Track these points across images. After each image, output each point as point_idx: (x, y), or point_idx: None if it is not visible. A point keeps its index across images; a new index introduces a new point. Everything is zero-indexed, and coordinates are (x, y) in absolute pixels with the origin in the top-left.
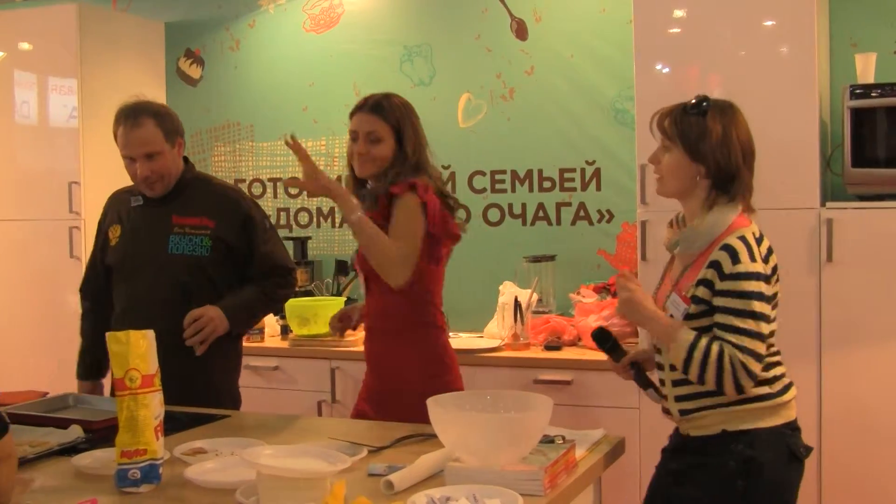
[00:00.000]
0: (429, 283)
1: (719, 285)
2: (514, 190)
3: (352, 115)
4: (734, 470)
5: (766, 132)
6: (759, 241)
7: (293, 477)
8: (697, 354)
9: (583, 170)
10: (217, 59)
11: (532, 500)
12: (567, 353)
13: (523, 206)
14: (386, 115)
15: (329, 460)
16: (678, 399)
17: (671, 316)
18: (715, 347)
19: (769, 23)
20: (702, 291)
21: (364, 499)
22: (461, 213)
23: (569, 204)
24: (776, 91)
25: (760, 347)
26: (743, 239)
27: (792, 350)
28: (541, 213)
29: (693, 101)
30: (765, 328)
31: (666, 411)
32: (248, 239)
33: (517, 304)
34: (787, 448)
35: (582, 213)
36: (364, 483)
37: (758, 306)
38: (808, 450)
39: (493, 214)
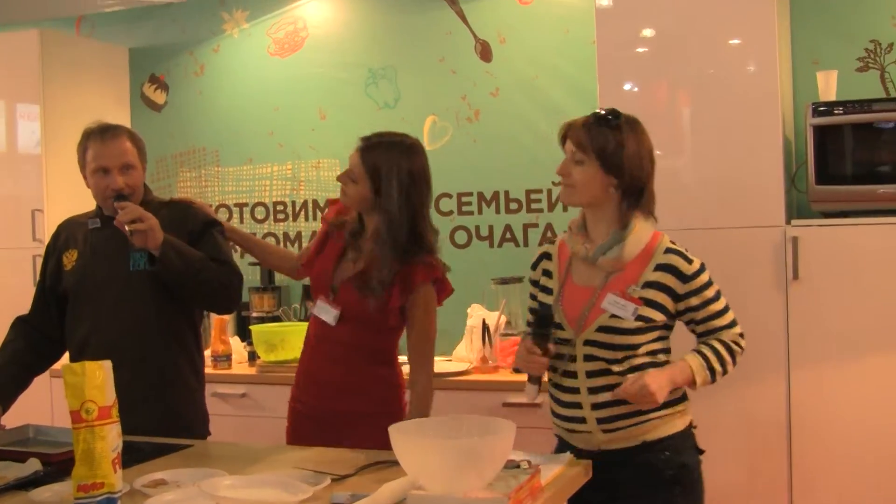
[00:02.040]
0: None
1: (684, 288)
2: (480, 212)
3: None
4: (671, 477)
5: (732, 150)
6: None
7: None
8: (717, 366)
9: (549, 191)
10: (182, 84)
11: None
12: None
13: (490, 227)
14: (365, 157)
15: (289, 490)
16: (595, 407)
17: (613, 316)
18: (720, 347)
19: (735, 41)
20: (652, 293)
21: None
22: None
23: (536, 225)
24: (740, 109)
25: (734, 314)
26: (673, 243)
27: (761, 367)
28: (508, 235)
29: (604, 113)
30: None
31: (573, 420)
32: (202, 241)
33: (485, 327)
34: (695, 445)
35: (549, 234)
36: None
37: (717, 287)
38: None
39: (461, 237)
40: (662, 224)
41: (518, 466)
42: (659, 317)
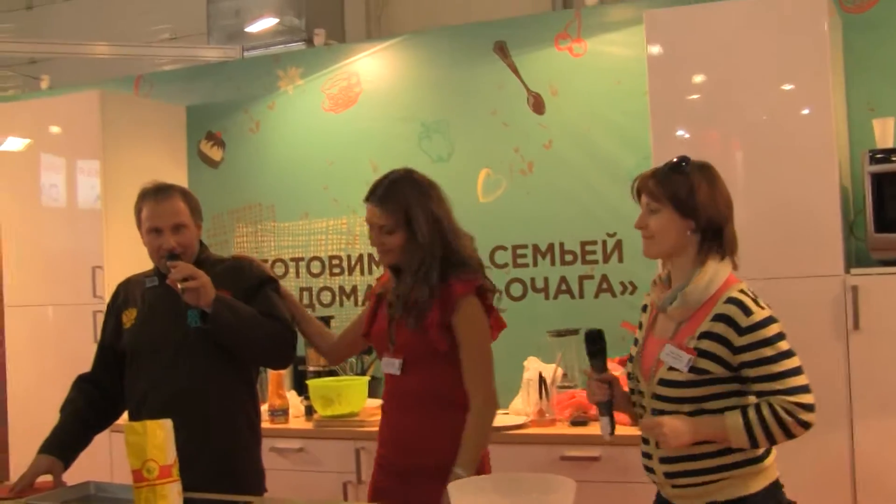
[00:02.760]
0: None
1: (740, 341)
2: (535, 264)
3: (365, 201)
4: None
5: (788, 198)
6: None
7: None
8: (757, 430)
9: (604, 242)
10: (238, 140)
11: None
12: (594, 429)
13: (546, 280)
14: (390, 206)
15: None
16: (663, 461)
17: (670, 369)
18: (766, 411)
19: (788, 87)
20: (707, 344)
21: None
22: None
23: (591, 277)
24: (795, 156)
25: (803, 379)
26: (743, 292)
27: (823, 419)
28: (563, 287)
29: (673, 161)
30: (798, 361)
31: (649, 470)
32: (257, 298)
33: (542, 380)
34: None
35: (605, 286)
36: None
37: (785, 345)
38: None
39: (516, 289)
40: None
41: None
42: (717, 369)
